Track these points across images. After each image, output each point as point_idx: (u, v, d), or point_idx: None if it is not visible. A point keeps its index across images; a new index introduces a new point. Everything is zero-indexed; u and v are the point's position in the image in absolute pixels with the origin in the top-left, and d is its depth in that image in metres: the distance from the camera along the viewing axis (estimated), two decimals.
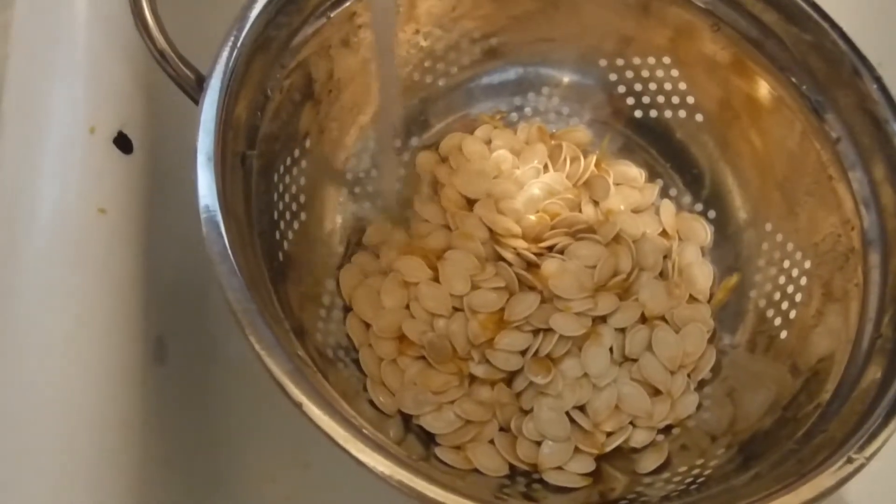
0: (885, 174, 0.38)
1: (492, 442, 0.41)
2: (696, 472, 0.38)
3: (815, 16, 0.40)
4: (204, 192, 0.32)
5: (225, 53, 0.35)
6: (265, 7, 0.37)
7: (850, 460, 0.31)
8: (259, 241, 0.35)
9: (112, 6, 0.38)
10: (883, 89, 0.38)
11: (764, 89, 0.43)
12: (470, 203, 0.46)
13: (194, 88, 0.35)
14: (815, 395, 0.37)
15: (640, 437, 0.42)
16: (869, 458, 0.31)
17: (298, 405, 0.29)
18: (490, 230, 0.45)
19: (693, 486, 0.37)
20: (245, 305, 0.30)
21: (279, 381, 0.30)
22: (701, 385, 0.43)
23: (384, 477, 0.29)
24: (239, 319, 0.30)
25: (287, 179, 0.41)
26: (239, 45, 0.35)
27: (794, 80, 0.42)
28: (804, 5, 0.41)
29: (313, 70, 0.41)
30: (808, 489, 0.31)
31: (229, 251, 0.31)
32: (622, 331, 0.43)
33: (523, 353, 0.42)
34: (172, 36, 0.36)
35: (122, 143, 0.37)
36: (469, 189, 0.46)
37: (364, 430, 0.29)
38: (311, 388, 0.30)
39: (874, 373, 0.35)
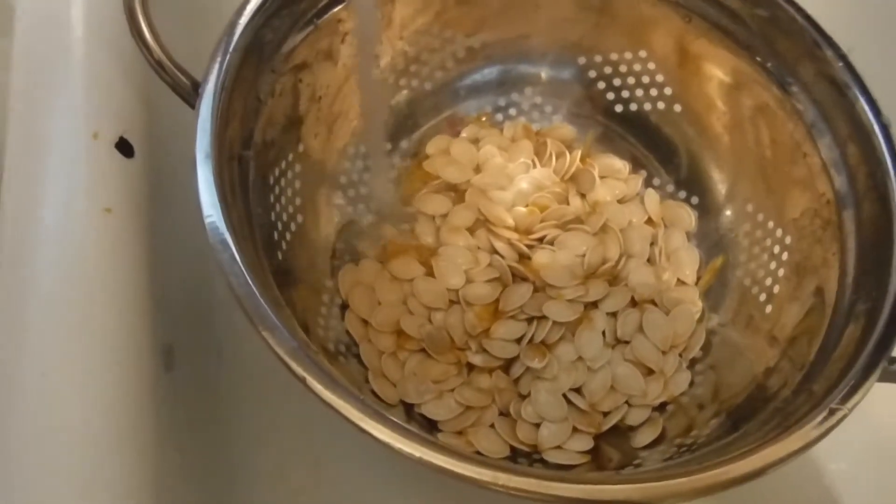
0: (849, 133, 0.40)
1: (492, 426, 0.41)
2: (689, 442, 0.39)
3: None
4: (203, 186, 0.33)
5: (218, 60, 0.37)
6: (254, 15, 0.38)
7: (832, 411, 0.32)
8: (259, 240, 0.37)
9: (110, 21, 0.40)
10: (842, 57, 0.40)
11: (736, 74, 0.45)
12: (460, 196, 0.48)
13: (190, 94, 0.37)
14: (798, 360, 0.38)
15: (635, 415, 0.42)
16: (851, 409, 0.32)
17: (302, 379, 0.30)
18: (484, 219, 0.46)
19: (686, 454, 0.38)
20: (247, 290, 0.31)
21: (282, 358, 0.30)
22: (693, 363, 0.44)
23: (387, 444, 0.29)
24: (241, 303, 0.31)
25: (283, 183, 0.42)
26: (230, 51, 0.37)
27: (758, 58, 0.43)
28: None
29: (304, 75, 0.42)
30: (795, 440, 0.31)
31: (230, 239, 0.32)
32: (614, 315, 0.45)
33: (519, 340, 0.43)
34: (168, 46, 0.37)
35: (124, 147, 0.38)
36: (459, 174, 0.48)
37: (367, 402, 0.30)
38: (314, 364, 0.30)
39: (854, 332, 0.36)
